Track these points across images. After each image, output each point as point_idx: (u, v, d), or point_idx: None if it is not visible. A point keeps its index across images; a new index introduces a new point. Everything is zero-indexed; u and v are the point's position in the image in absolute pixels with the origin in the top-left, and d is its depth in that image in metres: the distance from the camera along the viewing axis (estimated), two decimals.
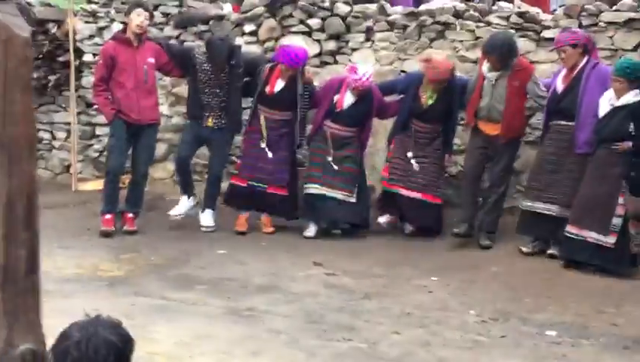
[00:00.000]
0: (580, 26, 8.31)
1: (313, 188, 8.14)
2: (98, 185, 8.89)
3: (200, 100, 8.14)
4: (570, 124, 7.44)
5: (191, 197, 8.32)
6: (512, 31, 8.41)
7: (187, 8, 9.56)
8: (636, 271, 7.16)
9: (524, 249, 7.71)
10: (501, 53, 7.70)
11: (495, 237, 8.02)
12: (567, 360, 5.38)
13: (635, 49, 8.23)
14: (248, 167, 8.25)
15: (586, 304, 6.47)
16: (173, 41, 9.14)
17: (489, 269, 7.29)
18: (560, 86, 7.55)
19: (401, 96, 8.26)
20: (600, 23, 8.35)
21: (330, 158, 8.12)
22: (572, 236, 7.22)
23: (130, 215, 8.13)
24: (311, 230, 8.20)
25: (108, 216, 8.02)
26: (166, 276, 6.81)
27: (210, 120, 8.16)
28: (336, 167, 8.08)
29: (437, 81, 8.00)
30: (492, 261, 7.51)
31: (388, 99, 8.35)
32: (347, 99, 8.09)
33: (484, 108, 7.86)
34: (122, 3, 9.59)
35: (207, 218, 8.29)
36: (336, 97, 8.11)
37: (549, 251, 7.62)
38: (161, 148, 9.39)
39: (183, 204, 8.32)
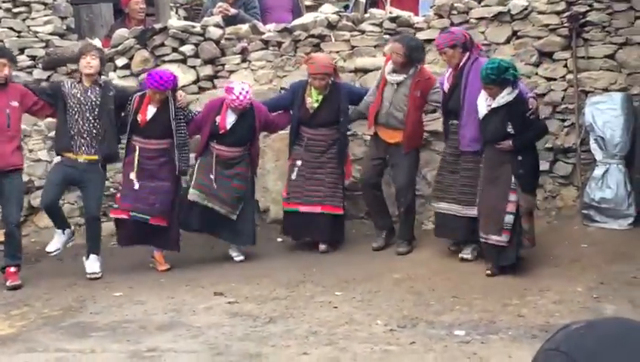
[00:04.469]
0: (452, 24, 8.40)
1: (195, 196, 7.85)
2: None
3: (69, 130, 7.67)
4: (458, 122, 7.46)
5: (66, 231, 7.88)
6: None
7: (54, 49, 9.25)
8: (516, 266, 7.13)
9: (464, 256, 7.52)
10: (409, 46, 7.66)
11: (415, 242, 7.98)
12: (478, 358, 5.35)
13: (507, 41, 8.34)
14: (128, 198, 7.81)
15: (491, 299, 6.47)
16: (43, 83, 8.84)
17: (391, 276, 7.21)
18: (446, 86, 7.56)
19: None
20: (471, 20, 8.46)
21: (212, 176, 7.85)
22: (484, 240, 7.15)
23: (12, 269, 7.57)
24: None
25: None
26: (61, 327, 6.48)
27: (81, 152, 7.67)
28: (215, 186, 7.83)
29: (319, 75, 7.86)
30: (393, 268, 7.44)
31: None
32: (229, 119, 7.83)
33: (383, 115, 7.79)
34: None
35: (91, 264, 7.74)
36: (217, 118, 7.83)
37: (460, 255, 7.53)
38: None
39: (58, 239, 7.86)
